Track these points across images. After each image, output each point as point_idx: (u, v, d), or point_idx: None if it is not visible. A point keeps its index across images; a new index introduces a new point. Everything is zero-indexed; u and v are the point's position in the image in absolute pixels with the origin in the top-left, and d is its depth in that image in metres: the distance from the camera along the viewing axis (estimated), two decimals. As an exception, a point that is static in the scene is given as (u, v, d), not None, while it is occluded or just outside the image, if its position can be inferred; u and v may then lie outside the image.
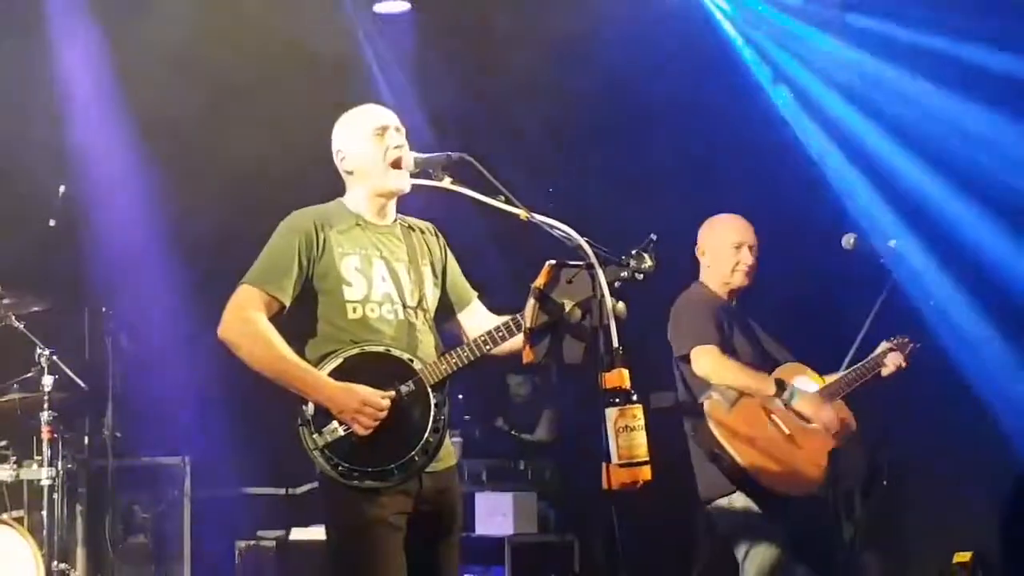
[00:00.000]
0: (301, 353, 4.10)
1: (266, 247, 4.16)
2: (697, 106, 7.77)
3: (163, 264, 7.79)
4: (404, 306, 4.18)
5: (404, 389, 4.04)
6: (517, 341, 4.11)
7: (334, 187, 4.35)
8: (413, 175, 4.16)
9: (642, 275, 4.01)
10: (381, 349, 4.09)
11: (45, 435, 6.64)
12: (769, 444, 5.17)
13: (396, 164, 4.19)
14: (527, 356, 3.99)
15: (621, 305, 3.76)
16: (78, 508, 7.17)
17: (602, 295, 3.72)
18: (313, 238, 4.13)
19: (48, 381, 6.63)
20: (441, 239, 4.44)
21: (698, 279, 5.55)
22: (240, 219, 7.19)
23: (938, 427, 7.21)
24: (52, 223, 6.73)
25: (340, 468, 3.99)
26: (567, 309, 3.94)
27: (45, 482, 6.65)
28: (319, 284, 4.14)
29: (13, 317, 6.68)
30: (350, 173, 4.29)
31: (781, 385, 5.24)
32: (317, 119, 4.60)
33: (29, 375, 6.70)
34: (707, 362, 5.23)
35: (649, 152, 8.14)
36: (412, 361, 4.09)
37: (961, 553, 6.99)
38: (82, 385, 6.88)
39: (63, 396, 6.72)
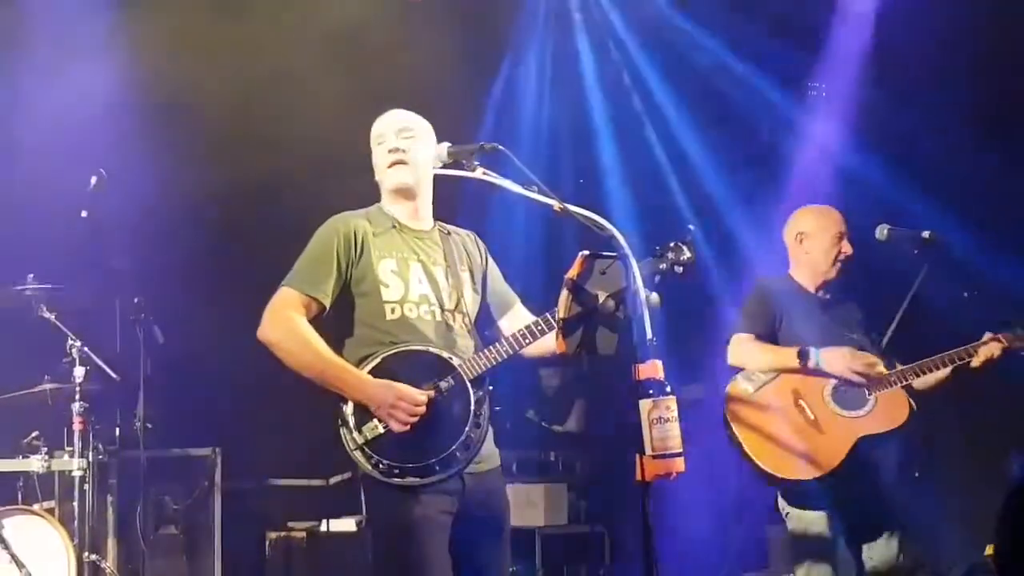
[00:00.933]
0: (340, 355, 4.14)
1: (306, 250, 4.22)
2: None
3: (195, 254, 7.79)
4: (442, 308, 4.22)
5: (444, 385, 4.06)
6: (552, 340, 4.12)
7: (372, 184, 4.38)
8: (447, 165, 4.17)
9: (681, 268, 4.01)
10: (420, 347, 4.12)
11: (76, 426, 6.65)
12: (786, 428, 5.16)
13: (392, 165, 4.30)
14: (560, 347, 3.99)
15: (655, 296, 3.75)
16: (109, 499, 7.18)
17: (636, 286, 3.70)
18: (351, 241, 4.18)
19: (79, 372, 6.64)
20: (482, 246, 4.49)
21: (787, 271, 5.56)
22: (278, 209, 7.22)
23: (969, 418, 7.15)
24: (84, 214, 6.73)
25: (381, 466, 4.00)
26: (600, 300, 3.94)
27: (76, 473, 6.66)
28: (357, 287, 4.18)
29: (44, 308, 6.70)
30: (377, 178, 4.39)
31: (805, 355, 5.21)
32: (358, 110, 4.61)
33: (61, 366, 6.72)
34: (734, 351, 5.33)
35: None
36: (451, 358, 4.11)
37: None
38: (113, 376, 6.89)
39: (94, 387, 6.73)
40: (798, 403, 5.22)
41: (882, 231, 5.50)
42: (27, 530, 6.34)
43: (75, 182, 6.76)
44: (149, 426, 7.06)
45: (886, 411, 5.20)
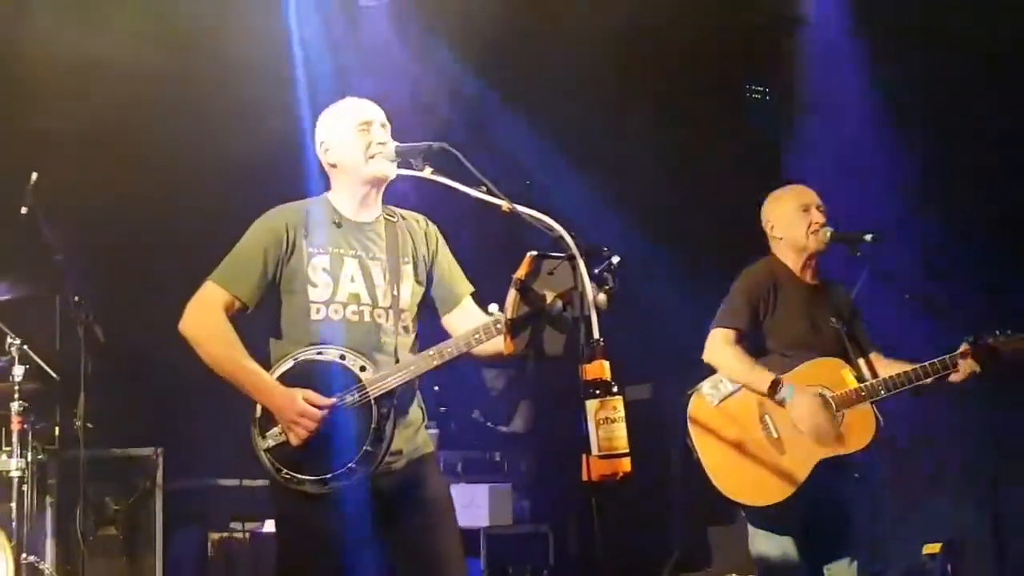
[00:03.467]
0: (266, 353, 4.13)
1: (236, 245, 4.18)
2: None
3: (139, 253, 7.72)
4: (374, 306, 4.18)
5: (348, 399, 4.05)
6: (490, 344, 4.12)
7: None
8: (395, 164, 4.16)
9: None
10: (335, 355, 4.09)
11: (15, 426, 6.59)
12: (748, 446, 5.06)
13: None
14: (508, 347, 3.97)
15: (602, 296, 3.74)
16: (48, 500, 7.11)
17: (583, 287, 3.70)
18: (282, 239, 4.14)
19: (19, 371, 6.58)
20: (433, 231, 4.42)
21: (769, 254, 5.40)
22: (222, 208, 7.17)
23: (906, 420, 7.22)
24: (24, 211, 6.65)
25: (282, 473, 4.04)
26: (548, 300, 3.92)
27: (15, 473, 6.60)
28: (286, 285, 4.15)
29: (-18, 306, 6.64)
30: (333, 166, 4.29)
31: (776, 385, 5.06)
32: (297, 110, 4.59)
33: (-1, 364, 6.66)
34: (712, 348, 5.16)
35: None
36: (364, 369, 4.07)
37: (930, 544, 7.00)
38: (53, 375, 6.83)
39: (34, 386, 6.67)
40: (763, 418, 5.10)
41: (824, 234, 5.45)
42: (-36, 532, 6.27)
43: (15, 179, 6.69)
44: (90, 426, 6.98)
45: (852, 431, 5.06)
